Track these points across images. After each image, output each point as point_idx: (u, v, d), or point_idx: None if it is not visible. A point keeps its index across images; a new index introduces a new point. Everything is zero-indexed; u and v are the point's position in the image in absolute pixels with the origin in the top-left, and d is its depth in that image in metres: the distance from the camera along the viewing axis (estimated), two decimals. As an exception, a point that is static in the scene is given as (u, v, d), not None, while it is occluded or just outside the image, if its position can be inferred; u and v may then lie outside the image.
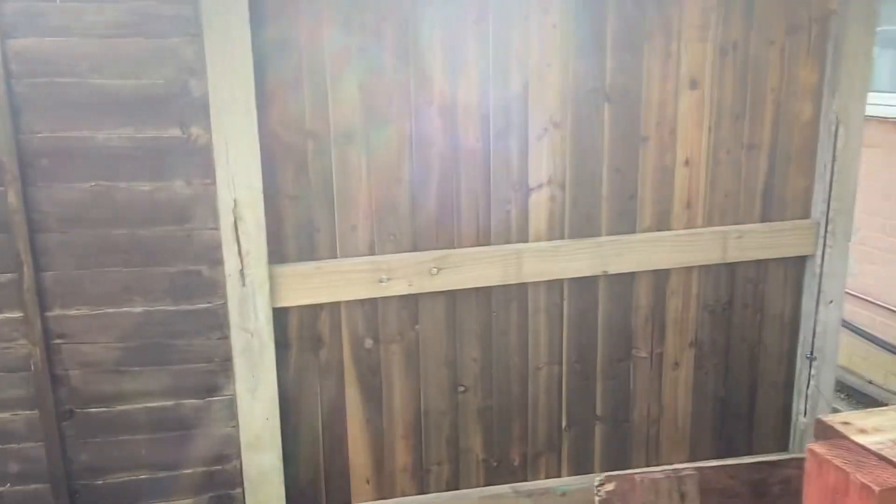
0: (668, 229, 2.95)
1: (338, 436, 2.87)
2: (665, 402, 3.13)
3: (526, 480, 3.09)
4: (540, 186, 2.81)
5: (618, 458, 3.15)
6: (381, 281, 2.70)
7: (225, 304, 2.60)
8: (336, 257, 2.70)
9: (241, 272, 2.55)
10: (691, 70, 2.82)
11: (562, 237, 2.87)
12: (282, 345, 2.73)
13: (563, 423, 3.07)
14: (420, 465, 2.98)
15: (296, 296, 2.65)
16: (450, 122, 2.68)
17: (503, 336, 2.93)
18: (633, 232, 2.92)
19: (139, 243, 2.52)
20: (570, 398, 3.05)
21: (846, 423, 1.22)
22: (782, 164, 2.99)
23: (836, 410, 4.49)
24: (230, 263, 2.54)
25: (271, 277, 2.60)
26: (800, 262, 3.11)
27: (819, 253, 3.04)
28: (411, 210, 2.72)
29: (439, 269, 2.74)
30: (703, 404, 3.16)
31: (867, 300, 4.69)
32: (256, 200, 2.52)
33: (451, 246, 2.79)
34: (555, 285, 2.92)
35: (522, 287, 2.89)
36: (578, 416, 3.07)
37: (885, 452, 1.12)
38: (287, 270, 2.63)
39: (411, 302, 2.81)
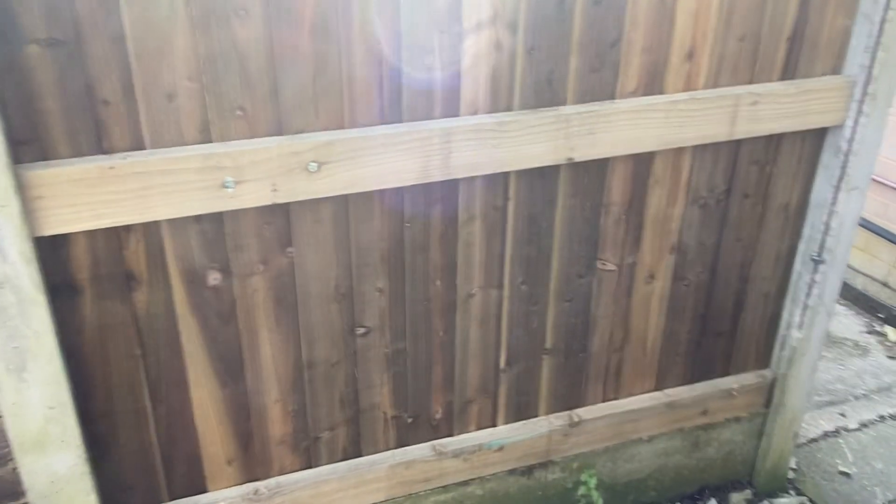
0: (661, 93, 2.01)
1: (178, 411, 1.92)
2: (632, 324, 2.35)
3: (451, 436, 2.30)
4: (479, 27, 1.76)
5: (568, 397, 2.40)
6: (225, 186, 1.65)
7: (-57, 237, 1.49)
8: (143, 147, 1.60)
9: (-39, 183, 1.43)
10: None
11: (509, 108, 1.88)
12: (65, 292, 1.68)
13: (501, 362, 2.24)
14: (305, 434, 2.11)
15: (76, 215, 1.57)
16: None
17: (421, 254, 1.98)
18: (612, 98, 1.96)
19: None
20: (511, 330, 2.20)
21: None
22: (821, -5, 2.06)
23: (875, 332, 3.82)
24: (-64, 168, 1.41)
25: (23, 188, 1.49)
26: (818, 137, 2.27)
27: (850, 123, 2.20)
28: (269, 64, 1.62)
29: (321, 164, 1.71)
30: (678, 324, 2.41)
31: (879, 181, 3.79)
32: (-29, 50, 1.35)
33: (339, 125, 1.74)
34: (497, 180, 1.96)
35: (450, 185, 1.91)
36: (522, 351, 2.25)
37: None
38: (53, 175, 1.52)
39: (279, 214, 1.79)
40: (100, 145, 1.57)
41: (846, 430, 3.18)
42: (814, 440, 3.10)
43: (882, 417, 3.26)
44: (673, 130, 2.02)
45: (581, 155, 1.95)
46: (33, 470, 1.74)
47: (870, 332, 3.87)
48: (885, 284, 3.98)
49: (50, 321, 1.59)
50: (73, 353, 1.73)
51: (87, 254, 1.66)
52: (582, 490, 2.41)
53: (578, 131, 1.91)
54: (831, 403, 3.33)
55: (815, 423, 3.18)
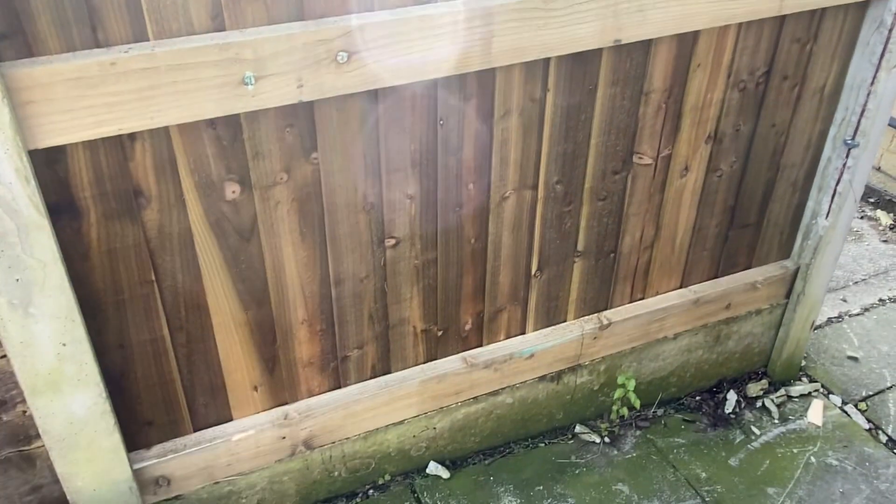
0: (711, -37, 1.81)
1: (198, 338, 1.75)
2: (664, 221, 2.23)
3: (481, 346, 2.19)
4: None
5: (597, 300, 2.30)
6: (244, 82, 1.42)
7: (-81, 155, 1.25)
8: (146, 39, 1.36)
9: (-64, 88, 1.18)
10: None
11: (553, -18, 1.66)
12: (66, 214, 1.46)
13: (533, 268, 2.11)
14: (333, 354, 1.97)
15: (74, 122, 1.33)
16: None
17: (454, 156, 1.80)
18: (661, -31, 1.76)
19: None
20: (544, 233, 2.06)
21: None
22: None
23: (866, 216, 3.76)
24: None
25: (11, 92, 1.25)
26: (860, 10, 2.12)
27: (898, -6, 2.05)
28: (289, -65, 1.37)
29: (351, 54, 1.49)
30: (707, 218, 2.31)
31: None
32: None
33: (366, 7, 1.51)
34: (536, 69, 1.76)
35: (488, 76, 1.71)
36: (554, 255, 2.12)
37: None
38: (45, 73, 1.27)
39: (303, 115, 1.57)
40: (94, 37, 1.32)
41: (849, 315, 3.20)
42: (819, 327, 3.11)
43: (882, 301, 3.28)
44: (724, 5, 1.84)
45: (629, 36, 1.76)
46: (48, 412, 1.56)
47: (861, 218, 3.87)
48: (877, 169, 3.96)
49: (56, 247, 1.38)
50: (81, 283, 1.53)
51: (88, 168, 1.43)
52: (618, 393, 2.36)
53: (628, 8, 1.72)
54: (832, 290, 3.34)
55: (819, 310, 3.18)
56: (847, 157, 2.32)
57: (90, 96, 1.31)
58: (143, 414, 1.79)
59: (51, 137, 1.32)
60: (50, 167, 1.39)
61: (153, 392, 1.77)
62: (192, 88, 1.39)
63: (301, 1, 1.45)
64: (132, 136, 1.44)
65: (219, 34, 1.38)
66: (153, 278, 1.62)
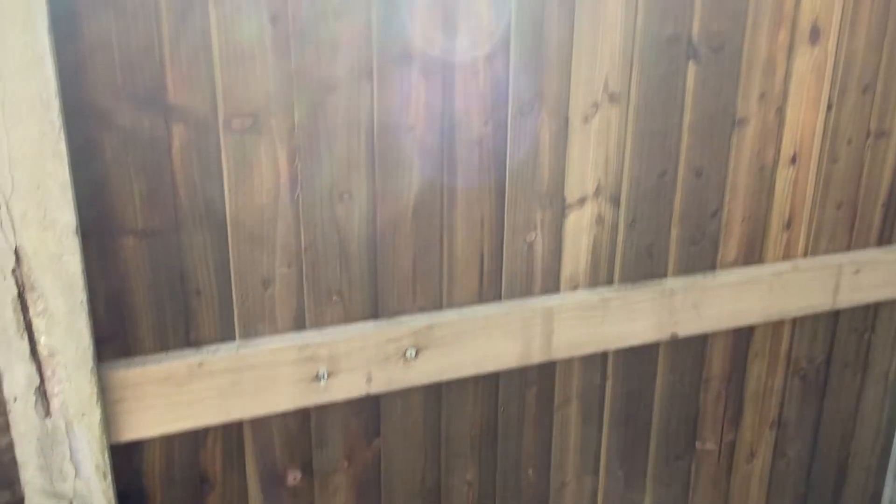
0: (760, 262, 1.91)
1: None
2: (732, 507, 2.13)
3: None
4: (583, 200, 1.67)
5: (665, 593, 2.13)
6: (318, 378, 1.50)
7: (11, 449, 1.32)
8: (233, 338, 1.46)
9: (41, 391, 1.27)
10: (814, 10, 1.76)
11: (610, 281, 1.76)
12: (133, 500, 1.48)
13: (595, 557, 2.00)
14: None
15: (157, 418, 1.40)
16: (438, 88, 1.48)
17: (513, 441, 1.80)
18: (713, 269, 1.86)
19: None
20: (606, 520, 1.98)
21: None
22: (913, 161, 2.01)
23: None
24: (16, 375, 1.26)
25: (104, 391, 1.34)
26: (914, 299, 2.16)
27: (950, 288, 2.10)
28: (370, 247, 1.52)
29: (419, 350, 1.57)
30: (779, 504, 2.19)
31: None
32: (67, 246, 1.24)
33: (435, 306, 1.62)
34: (595, 358, 1.81)
35: (547, 366, 1.77)
36: (616, 543, 2.02)
37: None
38: (137, 375, 1.37)
39: (369, 405, 1.63)
40: (187, 338, 1.43)
41: None
42: None
43: None
44: (776, 302, 1.90)
45: (685, 330, 1.82)
46: None
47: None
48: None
49: (118, 541, 1.39)
50: (135, 572, 1.51)
51: (161, 458, 1.48)
52: None
53: (682, 306, 1.79)
54: (925, 579, 3.03)
55: None
56: (922, 444, 2.23)
57: (175, 394, 1.39)
58: None
59: (132, 433, 1.38)
60: (125, 458, 1.44)
61: None
62: (269, 384, 1.46)
63: (376, 302, 1.56)
64: (208, 429, 1.49)
65: (299, 335, 1.49)
66: (206, 566, 1.59)
